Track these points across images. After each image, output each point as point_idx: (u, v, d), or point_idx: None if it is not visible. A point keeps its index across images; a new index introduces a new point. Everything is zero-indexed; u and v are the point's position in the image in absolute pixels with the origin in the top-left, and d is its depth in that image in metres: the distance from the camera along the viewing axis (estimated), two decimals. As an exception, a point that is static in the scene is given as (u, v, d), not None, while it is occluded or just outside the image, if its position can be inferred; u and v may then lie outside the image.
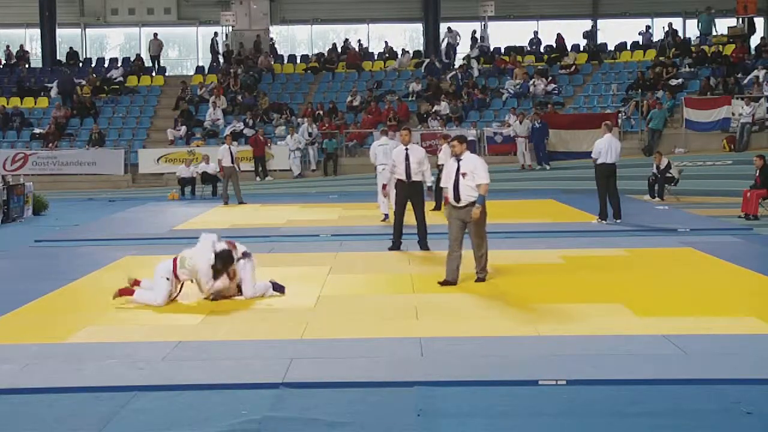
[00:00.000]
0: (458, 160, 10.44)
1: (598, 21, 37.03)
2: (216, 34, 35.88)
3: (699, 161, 24.36)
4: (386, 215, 16.76)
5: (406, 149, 13.26)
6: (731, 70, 28.73)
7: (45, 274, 11.77)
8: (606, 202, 16.23)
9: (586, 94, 30.08)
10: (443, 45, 34.43)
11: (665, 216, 17.54)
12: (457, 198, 10.36)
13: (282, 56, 35.34)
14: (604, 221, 16.15)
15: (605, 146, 16.12)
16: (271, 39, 35.80)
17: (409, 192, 13.15)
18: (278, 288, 10.05)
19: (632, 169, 22.35)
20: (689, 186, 21.57)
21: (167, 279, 9.54)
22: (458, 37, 34.54)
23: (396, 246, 13.25)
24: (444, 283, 10.40)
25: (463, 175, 10.30)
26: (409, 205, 13.18)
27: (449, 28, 34.64)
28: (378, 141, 17.53)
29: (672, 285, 10.38)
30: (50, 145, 28.76)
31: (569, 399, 6.25)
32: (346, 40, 35.49)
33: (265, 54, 34.01)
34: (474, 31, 34.82)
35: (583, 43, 34.29)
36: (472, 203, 10.27)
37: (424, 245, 13.20)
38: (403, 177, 13.10)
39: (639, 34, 33.93)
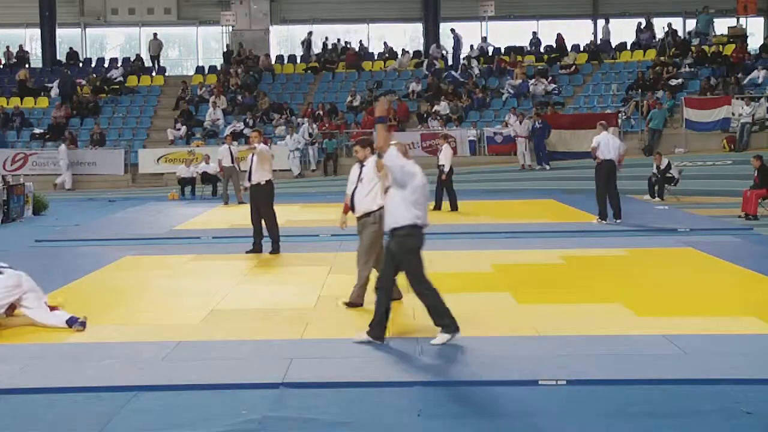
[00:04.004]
0: (361, 166, 9.35)
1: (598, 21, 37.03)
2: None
3: (699, 161, 24.34)
4: None
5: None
6: (731, 70, 28.73)
7: (45, 274, 11.70)
8: (606, 202, 16.23)
9: (586, 94, 30.07)
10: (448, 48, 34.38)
11: (665, 216, 17.52)
12: (352, 206, 9.37)
13: (282, 56, 35.32)
14: (604, 221, 16.15)
15: (603, 141, 16.16)
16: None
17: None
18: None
19: (632, 169, 22.31)
20: (689, 186, 21.57)
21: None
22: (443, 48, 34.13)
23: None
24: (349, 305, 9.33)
25: (360, 180, 9.26)
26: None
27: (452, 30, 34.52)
28: None
29: (672, 285, 10.38)
30: (70, 145, 28.60)
31: (569, 399, 6.25)
32: (347, 42, 35.36)
33: (265, 54, 33.99)
34: (484, 38, 34.84)
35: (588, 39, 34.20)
36: (368, 214, 9.17)
37: None
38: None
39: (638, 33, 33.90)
